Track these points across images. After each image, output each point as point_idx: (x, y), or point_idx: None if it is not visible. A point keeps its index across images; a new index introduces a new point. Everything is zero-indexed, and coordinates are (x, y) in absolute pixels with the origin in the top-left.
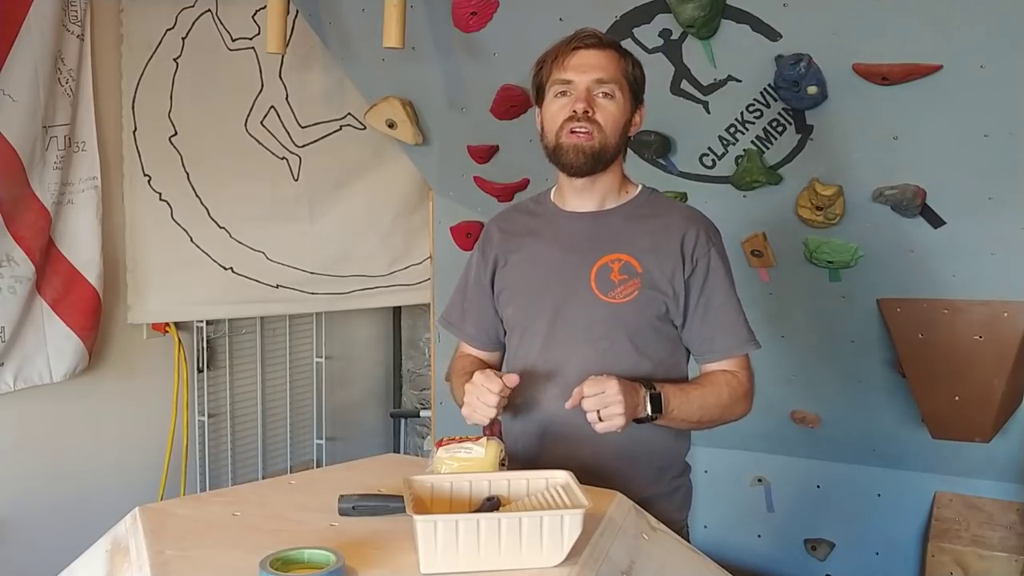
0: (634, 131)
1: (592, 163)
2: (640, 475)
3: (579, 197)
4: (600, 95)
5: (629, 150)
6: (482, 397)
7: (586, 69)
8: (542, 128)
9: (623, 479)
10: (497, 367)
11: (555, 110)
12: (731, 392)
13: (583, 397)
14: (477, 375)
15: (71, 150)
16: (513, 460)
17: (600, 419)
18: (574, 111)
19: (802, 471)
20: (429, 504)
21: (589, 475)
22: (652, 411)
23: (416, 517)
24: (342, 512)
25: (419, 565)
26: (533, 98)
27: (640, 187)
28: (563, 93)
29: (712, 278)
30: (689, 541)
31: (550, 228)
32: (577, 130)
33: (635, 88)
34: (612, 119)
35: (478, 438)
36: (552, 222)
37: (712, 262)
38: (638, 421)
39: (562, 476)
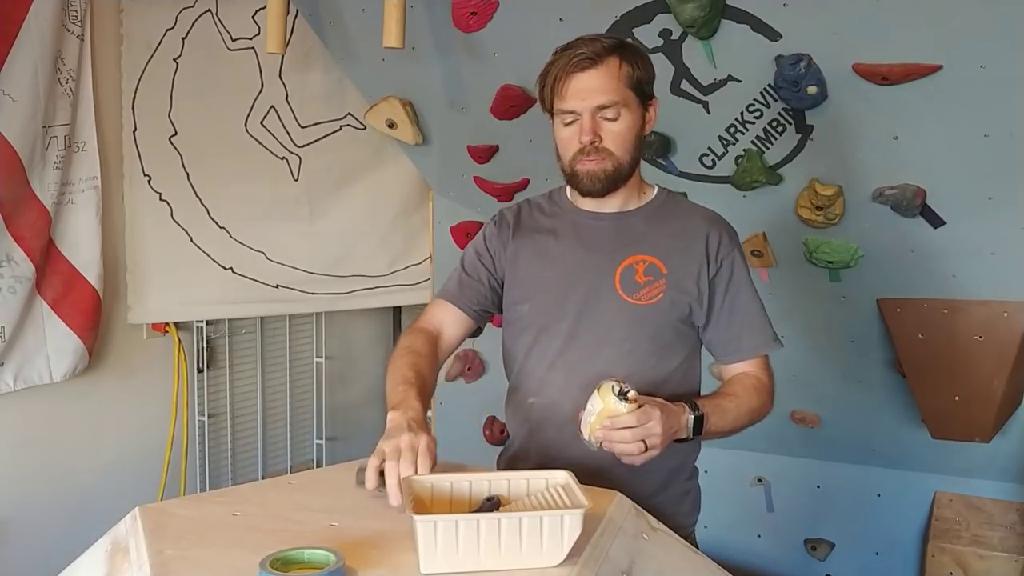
0: (650, 128)
1: (609, 185)
2: (650, 480)
3: (597, 201)
4: (604, 119)
5: None
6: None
7: (585, 96)
8: (557, 149)
9: (633, 484)
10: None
11: (565, 138)
12: (758, 396)
13: (624, 428)
14: (404, 443)
15: (71, 150)
16: (526, 459)
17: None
18: (581, 143)
19: (802, 471)
20: (429, 504)
21: (602, 481)
22: (693, 434)
23: (416, 517)
24: (359, 483)
25: (419, 565)
26: (544, 110)
27: (657, 189)
28: (570, 123)
29: (736, 278)
30: (697, 547)
31: (569, 227)
32: (589, 158)
33: (641, 90)
34: (620, 139)
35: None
36: (572, 221)
37: (736, 262)
38: (677, 441)
39: (562, 476)
